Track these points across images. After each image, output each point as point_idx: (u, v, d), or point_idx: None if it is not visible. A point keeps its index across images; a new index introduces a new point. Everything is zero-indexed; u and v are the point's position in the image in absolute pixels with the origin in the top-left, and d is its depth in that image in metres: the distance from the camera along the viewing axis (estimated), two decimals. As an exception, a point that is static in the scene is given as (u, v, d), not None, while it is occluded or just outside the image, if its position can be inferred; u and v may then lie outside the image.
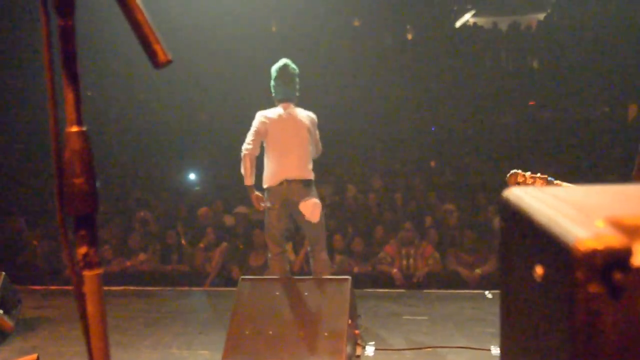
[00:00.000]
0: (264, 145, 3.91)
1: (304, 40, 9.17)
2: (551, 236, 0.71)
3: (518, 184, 2.66)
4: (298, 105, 3.98)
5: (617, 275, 0.63)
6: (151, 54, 0.85)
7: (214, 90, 9.51)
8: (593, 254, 0.64)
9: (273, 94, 3.96)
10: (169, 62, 0.86)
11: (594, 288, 0.64)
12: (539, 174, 2.69)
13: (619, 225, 0.67)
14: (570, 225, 0.70)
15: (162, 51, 0.85)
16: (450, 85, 9.65)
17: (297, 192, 3.85)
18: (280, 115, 3.91)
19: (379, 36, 9.94)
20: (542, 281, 0.74)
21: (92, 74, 8.52)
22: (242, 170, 3.88)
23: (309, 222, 3.89)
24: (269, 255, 4.04)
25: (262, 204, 3.92)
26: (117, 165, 8.61)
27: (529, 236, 0.80)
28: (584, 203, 0.77)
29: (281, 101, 3.95)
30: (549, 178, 2.68)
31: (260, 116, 3.92)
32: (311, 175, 3.92)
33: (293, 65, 3.93)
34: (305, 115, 3.96)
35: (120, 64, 8.49)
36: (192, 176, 8.67)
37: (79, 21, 0.89)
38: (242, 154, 3.88)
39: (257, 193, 3.92)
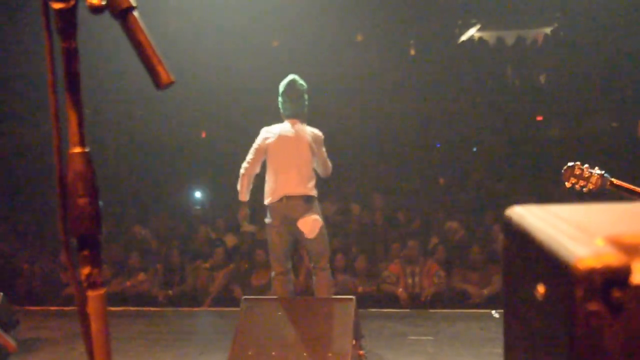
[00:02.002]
0: (266, 161, 3.93)
1: (306, 55, 9.25)
2: (552, 255, 0.72)
3: (575, 176, 2.64)
4: (307, 121, 4.00)
5: (616, 293, 0.65)
6: (154, 76, 0.87)
7: (215, 106, 9.57)
8: (592, 272, 0.65)
9: (281, 110, 3.99)
10: (171, 83, 0.89)
11: (593, 306, 0.65)
12: (597, 168, 2.68)
13: (618, 244, 0.68)
14: (571, 243, 0.71)
15: (166, 72, 0.88)
16: (455, 101, 9.69)
17: (297, 208, 3.85)
18: (283, 131, 3.93)
19: (382, 51, 10.02)
20: (543, 300, 0.75)
21: (90, 92, 8.60)
22: (238, 187, 3.92)
23: (310, 239, 3.88)
24: (272, 274, 4.02)
25: (245, 224, 3.98)
26: (116, 183, 8.63)
27: (531, 255, 0.82)
28: (585, 222, 0.79)
29: (288, 117, 3.98)
30: (605, 174, 2.67)
31: (264, 132, 3.96)
32: (313, 192, 3.91)
33: (301, 82, 3.96)
34: (309, 132, 3.97)
35: (119, 82, 8.58)
36: (194, 194, 8.69)
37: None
38: (240, 173, 3.92)
39: (245, 211, 3.94)
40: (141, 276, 6.36)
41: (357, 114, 9.45)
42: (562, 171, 2.58)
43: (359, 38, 10.69)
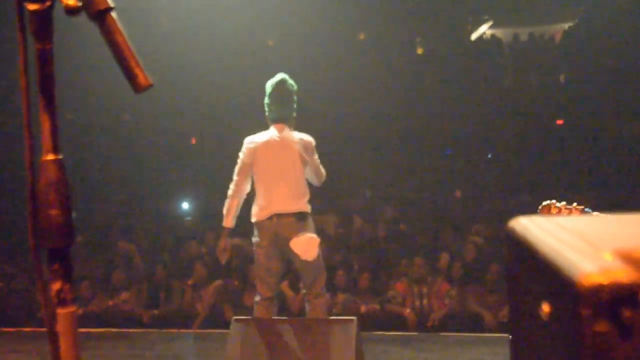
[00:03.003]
0: (254, 176, 3.84)
1: (304, 56, 9.28)
2: (556, 270, 0.73)
3: (552, 215, 2.63)
4: (296, 127, 3.93)
5: (626, 313, 0.65)
6: (131, 78, 0.89)
7: (206, 110, 9.60)
8: (599, 289, 0.65)
9: (266, 113, 3.88)
10: (149, 86, 0.91)
11: (601, 326, 0.65)
12: (574, 204, 2.65)
13: (628, 258, 0.69)
14: (576, 257, 0.72)
15: (143, 75, 0.90)
16: (467, 104, 9.71)
17: (289, 227, 3.75)
18: (270, 139, 3.83)
19: (386, 51, 10.06)
20: (549, 320, 0.76)
21: (71, 96, 8.64)
22: (224, 210, 3.82)
23: (304, 262, 3.79)
24: (256, 298, 3.91)
25: (223, 254, 3.89)
26: (99, 194, 8.64)
27: (535, 270, 0.82)
28: (593, 234, 0.80)
29: (274, 121, 3.86)
30: (586, 209, 2.64)
31: (247, 142, 3.84)
32: (306, 208, 3.82)
33: (291, 82, 3.87)
34: (298, 139, 3.85)
35: (103, 85, 8.61)
36: (182, 205, 8.70)
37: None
38: (228, 194, 3.82)
39: (226, 240, 3.87)
40: (124, 294, 6.36)
41: (359, 118, 9.46)
42: (538, 211, 2.57)
43: (361, 37, 10.74)
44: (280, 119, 3.84)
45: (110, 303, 6.30)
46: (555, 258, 0.73)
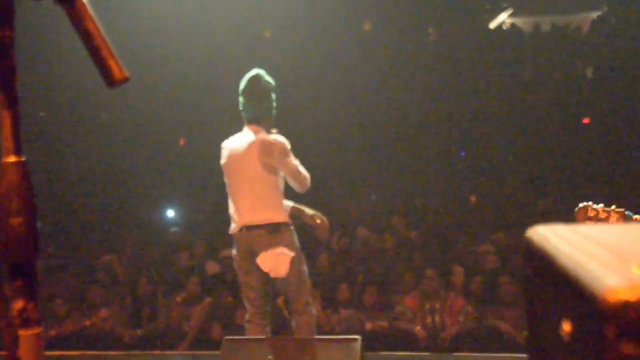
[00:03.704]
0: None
1: (303, 48, 9.30)
2: (578, 285, 0.72)
3: (589, 218, 2.65)
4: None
5: (656, 333, 0.64)
6: (104, 71, 0.88)
7: (195, 109, 9.61)
8: (626, 306, 0.65)
9: (242, 114, 3.89)
10: (125, 79, 0.90)
11: (627, 348, 0.65)
12: (613, 207, 2.66)
13: (660, 272, 0.68)
14: (601, 271, 0.71)
15: (118, 67, 0.89)
16: (484, 100, 9.71)
17: (259, 240, 3.72)
18: (237, 143, 3.83)
19: (395, 42, 10.06)
20: (569, 340, 0.75)
21: (43, 92, 8.65)
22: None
23: (279, 278, 3.79)
24: (247, 317, 3.95)
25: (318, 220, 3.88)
26: (75, 200, 8.65)
27: (554, 285, 0.81)
28: (622, 245, 0.79)
29: (249, 122, 3.85)
30: (627, 212, 2.65)
31: (222, 145, 3.90)
32: (279, 218, 3.75)
33: (267, 78, 3.85)
34: (259, 142, 3.77)
35: (79, 79, 8.63)
36: (169, 212, 8.70)
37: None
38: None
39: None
40: (104, 312, 6.35)
41: (362, 115, 9.47)
42: (575, 213, 2.60)
43: (366, 27, 10.75)
44: (254, 120, 3.83)
45: (87, 322, 6.29)
46: (577, 271, 0.72)
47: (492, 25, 11.58)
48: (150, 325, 6.35)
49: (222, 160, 3.87)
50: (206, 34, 9.50)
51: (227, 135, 4.03)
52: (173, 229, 8.11)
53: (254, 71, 3.88)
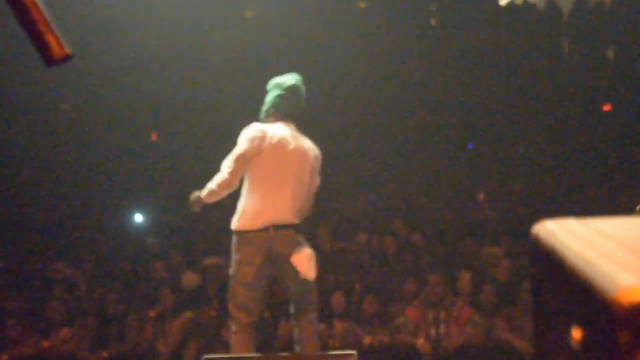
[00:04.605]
0: (249, 172, 3.91)
1: (290, 30, 9.29)
2: (588, 285, 0.71)
3: None
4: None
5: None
6: (41, 47, 0.86)
7: (169, 97, 9.58)
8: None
9: (269, 107, 4.04)
10: (67, 57, 0.87)
11: (643, 356, 0.64)
12: None
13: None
14: (613, 270, 0.70)
15: (57, 43, 0.86)
16: (493, 87, 9.73)
17: (287, 241, 3.87)
18: (285, 135, 3.97)
19: (393, 22, 10.06)
20: (580, 348, 0.74)
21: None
22: (206, 194, 3.93)
23: (301, 281, 3.88)
24: (234, 328, 3.95)
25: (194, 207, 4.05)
26: (29, 203, 8.59)
27: (563, 286, 0.81)
28: (635, 240, 0.78)
29: (285, 117, 4.03)
30: None
31: (256, 130, 3.94)
32: (298, 219, 4.01)
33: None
34: (312, 146, 4.09)
35: (35, 64, 8.57)
36: (140, 217, 8.67)
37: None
38: (217, 181, 3.88)
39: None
40: (64, 332, 6.30)
41: (358, 107, 9.47)
42: (637, 209, 2.59)
43: (361, 5, 10.75)
44: (291, 116, 4.05)
45: (46, 344, 6.23)
46: (587, 270, 0.71)
47: (502, 1, 11.59)
48: (118, 345, 6.32)
49: (258, 145, 3.89)
50: (179, 24, 9.47)
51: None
52: (144, 235, 8.08)
53: (295, 75, 4.15)
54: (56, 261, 7.39)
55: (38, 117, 9.54)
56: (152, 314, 6.47)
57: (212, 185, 3.90)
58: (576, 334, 0.75)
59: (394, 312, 6.19)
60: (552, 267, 0.85)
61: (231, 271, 3.95)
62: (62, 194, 8.93)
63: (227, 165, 3.88)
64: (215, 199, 3.95)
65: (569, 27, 10.46)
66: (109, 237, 7.99)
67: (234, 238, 3.91)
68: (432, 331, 5.94)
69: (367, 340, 5.91)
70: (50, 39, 0.86)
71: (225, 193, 3.92)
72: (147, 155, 9.37)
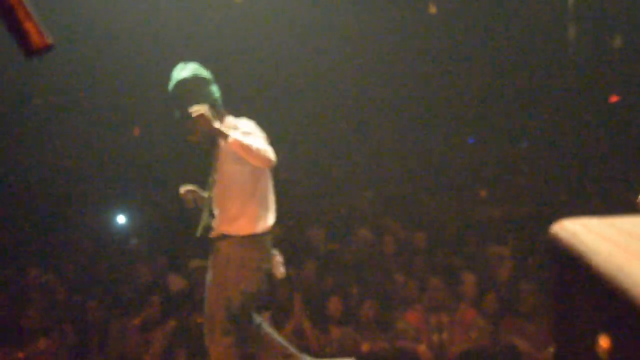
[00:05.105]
0: (254, 170, 3.92)
1: (280, 17, 9.26)
2: (617, 290, 0.71)
3: None
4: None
5: None
6: (20, 36, 0.83)
7: (154, 89, 9.53)
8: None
9: (220, 103, 4.04)
10: (47, 47, 0.85)
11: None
12: None
13: None
14: (645, 272, 0.69)
15: (37, 31, 0.84)
16: (495, 78, 9.74)
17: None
18: None
19: (389, 11, 10.04)
20: (608, 358, 0.73)
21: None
22: (243, 141, 3.79)
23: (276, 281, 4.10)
24: (227, 341, 3.92)
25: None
26: (3, 203, 8.55)
27: (588, 291, 0.80)
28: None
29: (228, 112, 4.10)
30: None
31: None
32: None
33: None
34: None
35: (9, 55, 8.51)
36: (122, 218, 8.66)
37: None
38: (261, 149, 3.82)
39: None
40: (42, 342, 6.28)
41: (352, 97, 9.47)
42: (637, 203, 2.59)
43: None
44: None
45: (21, 355, 6.22)
46: (616, 275, 0.71)
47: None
48: (99, 356, 6.31)
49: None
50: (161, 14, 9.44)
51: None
52: (126, 238, 8.07)
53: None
54: (31, 266, 7.37)
55: (12, 113, 9.49)
56: (136, 321, 6.47)
57: (257, 144, 3.80)
58: (604, 342, 0.74)
59: (393, 317, 6.21)
60: (575, 271, 0.84)
61: (240, 282, 3.90)
62: (38, 192, 8.90)
63: (269, 148, 3.87)
64: (243, 153, 3.78)
65: (575, 9, 10.44)
66: (89, 240, 7.98)
67: (247, 243, 3.90)
68: (435, 337, 5.96)
69: (365, 346, 5.93)
70: (29, 27, 0.84)
71: (253, 160, 3.82)
72: (129, 152, 9.35)
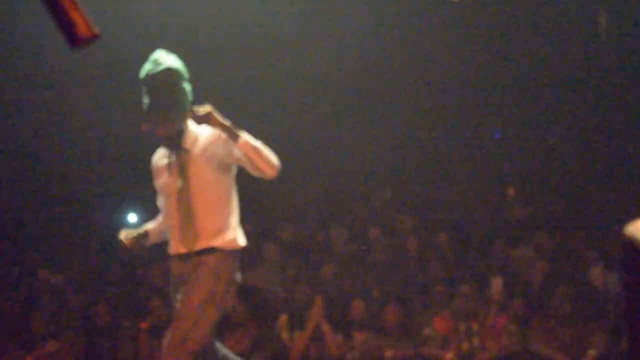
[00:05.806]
0: (233, 180, 3.90)
1: (279, 4, 9.22)
2: None
3: None
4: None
5: None
6: (66, 26, 0.83)
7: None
8: None
9: (190, 103, 3.91)
10: (94, 37, 0.85)
11: None
12: None
13: None
14: None
15: (84, 22, 0.84)
16: (522, 69, 9.68)
17: None
18: None
19: (406, 10, 9.98)
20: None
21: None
22: (254, 142, 3.69)
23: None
24: (223, 354, 3.89)
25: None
26: (10, 205, 8.59)
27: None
28: None
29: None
30: None
31: None
32: None
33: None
34: None
35: (16, 46, 8.55)
36: (133, 217, 8.69)
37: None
38: (271, 156, 3.72)
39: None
40: (51, 345, 6.31)
41: (369, 91, 9.44)
42: None
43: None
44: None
45: (29, 358, 6.25)
46: None
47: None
48: (111, 359, 6.33)
49: None
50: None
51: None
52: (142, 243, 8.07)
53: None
54: (40, 268, 7.40)
55: (20, 109, 9.54)
56: (145, 324, 6.49)
57: (264, 147, 3.70)
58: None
59: (419, 323, 6.20)
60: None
61: (226, 297, 3.77)
62: (46, 193, 8.95)
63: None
64: (253, 156, 3.66)
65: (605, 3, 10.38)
66: (98, 241, 8.00)
67: (233, 257, 3.82)
68: (464, 344, 5.93)
69: (389, 354, 5.92)
70: (75, 16, 0.84)
71: (261, 164, 3.68)
72: (140, 147, 9.36)
